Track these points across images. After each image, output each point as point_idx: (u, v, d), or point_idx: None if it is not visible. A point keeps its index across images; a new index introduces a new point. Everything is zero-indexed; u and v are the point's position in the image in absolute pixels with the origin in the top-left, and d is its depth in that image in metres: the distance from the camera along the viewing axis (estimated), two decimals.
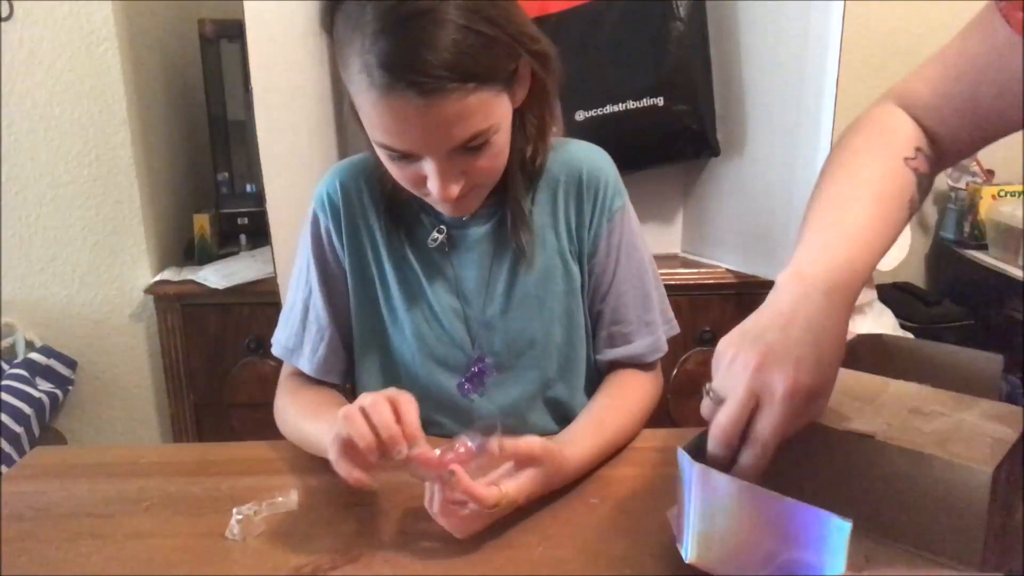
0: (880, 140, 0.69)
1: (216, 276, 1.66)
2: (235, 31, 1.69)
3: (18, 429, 1.53)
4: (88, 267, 1.75)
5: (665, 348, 0.94)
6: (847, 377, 0.66)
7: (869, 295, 1.75)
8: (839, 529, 0.49)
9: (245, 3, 1.40)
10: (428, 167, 0.74)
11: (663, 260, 1.69)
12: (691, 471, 0.56)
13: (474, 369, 0.90)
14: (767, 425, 0.55)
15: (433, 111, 0.69)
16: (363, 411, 0.66)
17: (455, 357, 0.90)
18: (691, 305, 1.69)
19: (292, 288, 0.93)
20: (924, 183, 0.70)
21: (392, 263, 0.89)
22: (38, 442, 1.58)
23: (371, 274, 0.90)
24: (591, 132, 1.53)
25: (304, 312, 0.91)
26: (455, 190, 0.76)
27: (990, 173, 2.00)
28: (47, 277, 1.75)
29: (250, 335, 1.68)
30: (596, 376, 0.94)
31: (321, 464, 0.82)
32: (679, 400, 1.73)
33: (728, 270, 1.69)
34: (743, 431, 0.56)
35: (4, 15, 1.60)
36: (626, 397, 0.89)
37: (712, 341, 1.71)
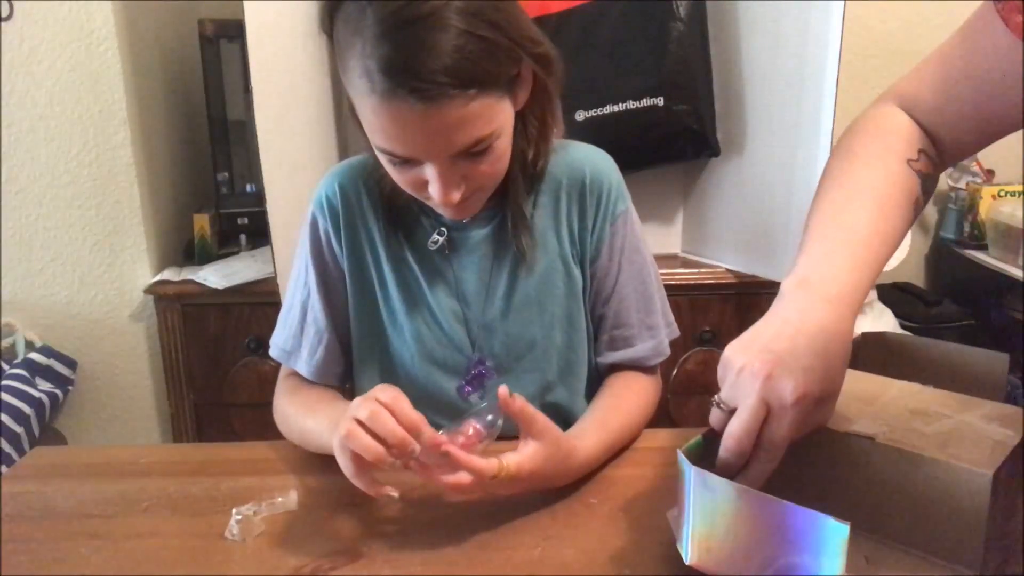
0: (882, 143, 0.69)
1: (216, 276, 1.66)
2: (235, 31, 1.69)
3: (18, 429, 1.53)
4: (88, 267, 1.75)
5: (667, 352, 0.94)
6: (849, 378, 0.66)
7: (869, 295, 1.75)
8: (837, 531, 0.49)
9: (245, 3, 1.40)
10: (429, 172, 0.74)
11: (663, 260, 1.69)
12: (690, 474, 0.56)
13: (474, 372, 0.90)
14: (778, 433, 0.55)
15: (435, 117, 0.68)
16: (362, 425, 0.65)
17: (455, 360, 0.90)
18: (691, 305, 1.69)
19: (290, 290, 0.93)
20: (928, 183, 0.70)
21: (391, 265, 0.89)
22: (38, 442, 1.58)
23: (370, 276, 0.90)
24: (591, 132, 1.54)
25: (302, 315, 0.91)
26: (456, 195, 0.75)
27: (990, 173, 2.00)
28: (47, 277, 1.75)
29: (250, 335, 1.68)
30: (597, 380, 0.94)
31: (321, 464, 0.82)
32: (679, 400, 1.73)
33: (728, 270, 1.69)
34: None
35: (4, 15, 1.60)
36: (629, 398, 0.89)
37: (712, 341, 1.71)
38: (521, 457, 0.69)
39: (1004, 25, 0.63)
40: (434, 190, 0.75)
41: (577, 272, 0.90)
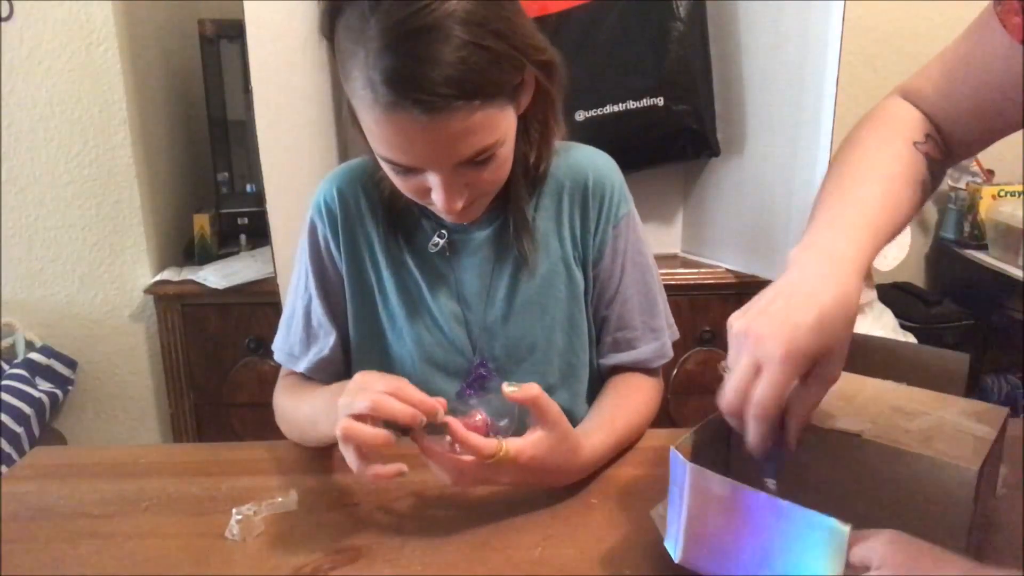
0: (889, 127, 0.70)
1: (216, 276, 1.66)
2: (235, 31, 1.69)
3: (18, 429, 1.53)
4: (88, 267, 1.75)
5: (670, 354, 0.94)
6: None
7: (869, 295, 1.75)
8: (836, 533, 0.49)
9: (245, 3, 1.40)
10: (432, 180, 0.73)
11: (663, 260, 1.69)
12: (683, 471, 0.57)
13: (475, 375, 0.90)
14: (766, 391, 0.55)
15: (438, 128, 0.68)
16: (392, 394, 0.67)
17: (456, 362, 0.90)
18: (691, 305, 1.69)
19: (291, 295, 0.93)
20: (935, 169, 0.70)
21: (391, 270, 0.89)
22: (38, 442, 1.59)
23: (369, 281, 0.90)
24: (591, 132, 1.54)
25: (305, 319, 0.91)
26: (460, 203, 0.75)
27: (990, 173, 2.00)
28: (47, 277, 1.75)
29: (250, 335, 1.68)
30: (598, 383, 0.94)
31: (321, 464, 0.82)
32: (679, 400, 1.73)
33: (728, 270, 1.69)
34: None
35: (4, 15, 1.60)
36: (634, 399, 0.89)
37: (712, 341, 1.71)
38: (524, 442, 0.69)
39: (1002, 27, 0.64)
40: (437, 198, 0.74)
41: (579, 275, 0.90)
